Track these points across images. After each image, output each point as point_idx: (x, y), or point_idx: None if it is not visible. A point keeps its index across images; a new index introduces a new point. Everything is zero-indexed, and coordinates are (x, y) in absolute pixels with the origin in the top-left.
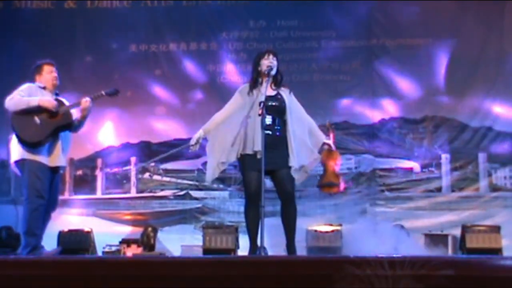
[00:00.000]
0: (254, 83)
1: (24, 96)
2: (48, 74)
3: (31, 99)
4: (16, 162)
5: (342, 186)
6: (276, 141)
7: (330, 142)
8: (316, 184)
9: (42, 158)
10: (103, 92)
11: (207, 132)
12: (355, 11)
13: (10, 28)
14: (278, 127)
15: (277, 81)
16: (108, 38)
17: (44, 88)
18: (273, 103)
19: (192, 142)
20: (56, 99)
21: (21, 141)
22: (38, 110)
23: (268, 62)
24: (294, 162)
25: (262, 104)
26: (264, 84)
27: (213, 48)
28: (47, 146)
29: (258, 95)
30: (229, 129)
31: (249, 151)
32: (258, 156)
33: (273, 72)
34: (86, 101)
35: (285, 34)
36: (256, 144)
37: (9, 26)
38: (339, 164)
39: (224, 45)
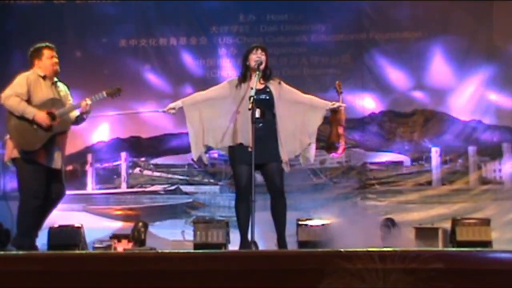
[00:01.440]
0: (243, 78)
1: (22, 94)
2: (48, 59)
3: (27, 111)
4: (12, 160)
5: (341, 148)
6: (265, 134)
7: (337, 103)
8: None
9: (37, 159)
10: (104, 93)
11: (185, 106)
12: (345, 5)
13: None
14: (267, 120)
15: (266, 76)
16: (98, 33)
17: (44, 77)
18: (261, 97)
19: (166, 108)
20: (56, 89)
21: (16, 145)
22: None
23: (256, 57)
24: (283, 155)
25: (252, 99)
26: (254, 79)
27: (203, 43)
28: (44, 150)
29: (247, 90)
30: (217, 116)
31: (240, 141)
32: (249, 150)
33: (262, 66)
34: (86, 104)
35: (275, 29)
36: (247, 137)
37: None
38: (343, 124)
39: (214, 40)
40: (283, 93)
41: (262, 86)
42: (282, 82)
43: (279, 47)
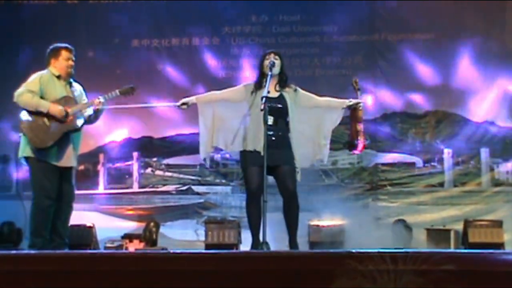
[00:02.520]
0: (259, 84)
1: (35, 92)
2: (65, 60)
3: (41, 105)
4: (25, 158)
5: (360, 146)
6: (278, 141)
7: (354, 100)
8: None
9: (51, 159)
10: (117, 92)
11: (199, 103)
12: (357, 6)
13: (12, 24)
14: (281, 128)
15: (281, 81)
16: (110, 33)
17: (58, 77)
18: (275, 105)
19: (179, 102)
20: (70, 88)
21: (29, 142)
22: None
23: (268, 61)
24: (296, 161)
25: (264, 99)
26: (267, 80)
27: (215, 43)
28: (56, 148)
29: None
30: (230, 117)
31: (250, 149)
32: (261, 154)
33: (276, 70)
34: (99, 102)
35: (288, 29)
36: (258, 143)
37: (11, 22)
38: (361, 121)
39: (226, 40)
40: (300, 100)
41: (277, 94)
42: (298, 89)
43: (291, 47)
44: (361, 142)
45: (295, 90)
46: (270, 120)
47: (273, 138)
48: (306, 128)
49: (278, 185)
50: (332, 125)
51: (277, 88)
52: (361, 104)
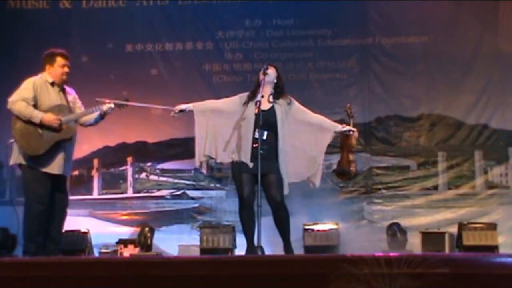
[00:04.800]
0: (252, 94)
1: (28, 99)
2: (60, 67)
3: (34, 115)
4: (18, 164)
5: (352, 174)
6: (266, 153)
7: (347, 127)
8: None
9: (42, 167)
10: (112, 106)
11: (195, 111)
12: (350, 9)
13: (5, 29)
14: (269, 140)
15: (276, 92)
16: (104, 38)
17: (52, 83)
18: (265, 118)
19: (177, 109)
20: (64, 95)
21: (21, 149)
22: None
23: (263, 72)
24: (288, 176)
25: (258, 104)
26: (261, 85)
27: (209, 48)
28: (48, 156)
29: (253, 109)
30: (223, 127)
31: (237, 159)
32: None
33: (270, 77)
34: (109, 107)
35: (281, 33)
36: (245, 155)
37: (4, 26)
38: (353, 150)
39: (220, 45)
40: (293, 113)
41: (268, 106)
42: (293, 101)
43: (285, 52)
44: (353, 172)
45: (289, 102)
46: (260, 134)
47: (261, 151)
48: (297, 142)
49: (265, 195)
50: (324, 144)
51: (270, 99)
52: (354, 132)
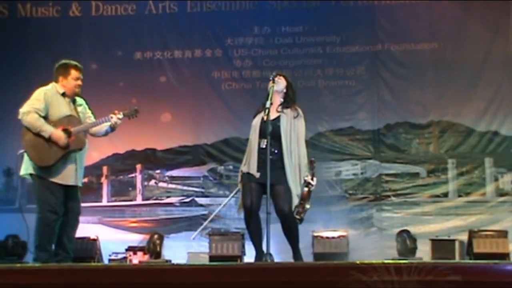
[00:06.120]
0: (263, 105)
1: (40, 110)
2: (74, 80)
3: (44, 130)
4: (29, 174)
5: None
6: (271, 162)
7: (308, 179)
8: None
9: (53, 177)
10: (120, 116)
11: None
12: (359, 16)
13: (15, 37)
14: (275, 150)
15: (285, 101)
16: (113, 46)
17: (63, 94)
18: (270, 127)
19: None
20: (74, 106)
21: (31, 160)
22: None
23: (271, 80)
24: (290, 183)
25: (267, 111)
26: (270, 93)
27: (218, 55)
28: (59, 166)
29: (260, 120)
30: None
31: (245, 171)
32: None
33: (279, 86)
34: (118, 118)
35: (290, 41)
36: (251, 166)
37: (14, 34)
38: (307, 201)
39: (229, 52)
40: (295, 128)
41: (275, 115)
42: (300, 116)
43: (294, 59)
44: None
45: (296, 116)
46: (263, 143)
47: (269, 161)
48: (295, 156)
49: (274, 206)
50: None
51: (279, 109)
52: (312, 186)
